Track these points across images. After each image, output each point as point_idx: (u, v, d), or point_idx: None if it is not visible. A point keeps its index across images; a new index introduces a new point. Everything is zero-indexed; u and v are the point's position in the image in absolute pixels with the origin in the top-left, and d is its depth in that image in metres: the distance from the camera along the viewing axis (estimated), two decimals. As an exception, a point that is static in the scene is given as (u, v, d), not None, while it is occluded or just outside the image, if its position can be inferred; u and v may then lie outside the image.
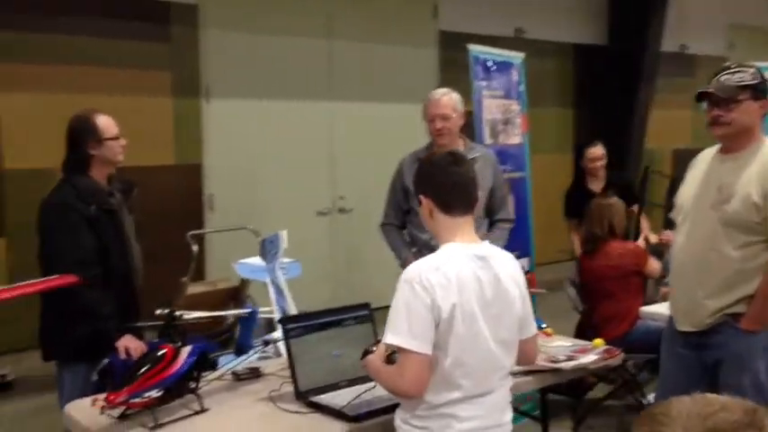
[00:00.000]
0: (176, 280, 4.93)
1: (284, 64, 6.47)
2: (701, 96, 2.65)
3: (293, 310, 3.32)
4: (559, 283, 4.56)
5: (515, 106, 4.35)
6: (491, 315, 2.00)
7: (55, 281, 2.32)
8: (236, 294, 5.43)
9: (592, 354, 2.77)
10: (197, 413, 2.24)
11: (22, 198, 5.29)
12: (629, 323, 4.00)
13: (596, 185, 4.84)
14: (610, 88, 8.71)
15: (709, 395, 1.03)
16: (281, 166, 6.44)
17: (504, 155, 4.24)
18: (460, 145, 3.57)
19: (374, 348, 2.09)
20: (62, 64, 5.55)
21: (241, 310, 2.56)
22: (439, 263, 1.96)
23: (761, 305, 2.58)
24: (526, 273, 4.32)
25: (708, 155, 2.82)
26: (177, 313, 2.27)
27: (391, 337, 1.90)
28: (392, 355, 1.99)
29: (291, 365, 2.37)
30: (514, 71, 4.33)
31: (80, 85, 5.60)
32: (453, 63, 6.27)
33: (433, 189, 2.06)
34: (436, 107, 3.49)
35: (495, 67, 4.17)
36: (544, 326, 2.84)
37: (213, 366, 2.42)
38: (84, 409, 2.23)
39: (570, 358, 2.72)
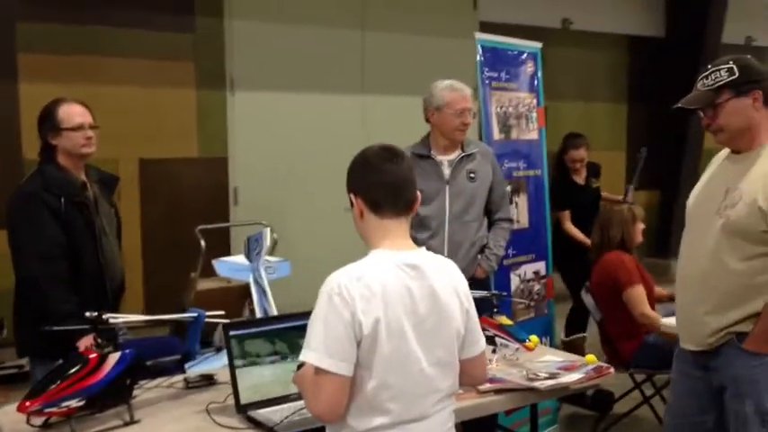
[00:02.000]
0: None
1: (314, 55, 6.31)
2: (682, 110, 2.42)
3: (274, 312, 3.16)
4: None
5: (531, 99, 4.07)
6: (424, 332, 1.77)
7: None
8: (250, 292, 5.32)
9: (577, 372, 2.51)
10: (126, 424, 2.09)
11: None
12: (637, 339, 3.69)
13: (579, 179, 4.92)
14: (667, 82, 8.21)
15: None
16: (309, 161, 6.29)
17: (516, 151, 3.98)
18: None
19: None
20: (85, 54, 5.53)
21: (184, 315, 2.40)
22: (362, 272, 1.73)
23: (766, 325, 2.27)
24: (542, 277, 4.09)
25: (723, 154, 2.53)
26: (105, 317, 2.12)
27: (305, 353, 1.69)
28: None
29: (233, 376, 2.20)
30: (530, 62, 4.05)
31: (103, 76, 5.58)
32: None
33: (364, 188, 1.83)
34: (466, 100, 3.30)
35: (506, 58, 3.90)
36: (526, 339, 2.58)
37: (152, 374, 2.27)
38: (11, 414, 2.11)
39: (552, 376, 2.46)
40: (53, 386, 1.98)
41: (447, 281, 1.84)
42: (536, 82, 4.08)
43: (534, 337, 2.89)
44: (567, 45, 7.79)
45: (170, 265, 5.58)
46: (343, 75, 6.48)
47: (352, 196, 1.85)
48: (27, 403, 1.95)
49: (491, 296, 2.81)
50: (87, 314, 2.12)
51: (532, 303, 3.63)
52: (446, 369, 1.82)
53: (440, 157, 3.34)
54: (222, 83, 6.11)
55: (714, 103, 2.34)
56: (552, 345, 4.13)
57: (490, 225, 3.46)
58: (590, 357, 2.64)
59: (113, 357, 2.09)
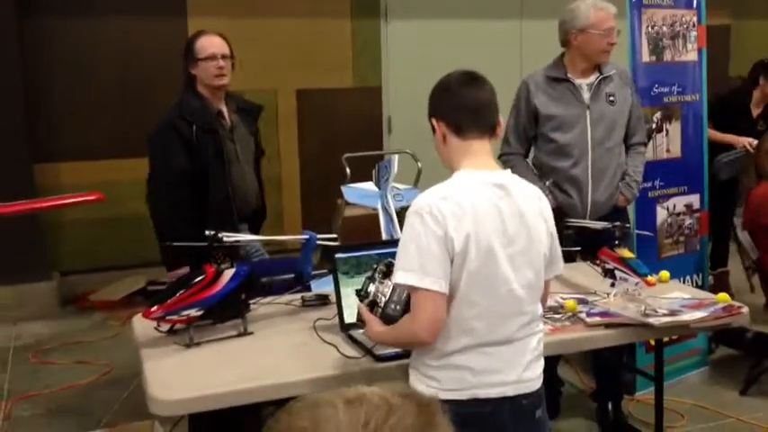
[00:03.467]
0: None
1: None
2: None
3: (400, 238, 3.20)
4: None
5: (690, 17, 3.72)
6: (514, 252, 1.75)
7: (73, 198, 2.40)
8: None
9: (703, 310, 2.34)
10: (239, 335, 2.24)
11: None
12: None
13: (756, 109, 4.41)
14: None
15: (367, 392, 0.78)
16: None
17: (670, 75, 3.67)
18: None
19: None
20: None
21: (298, 236, 2.49)
22: (449, 192, 1.73)
23: None
24: (695, 211, 3.81)
25: None
26: (219, 236, 2.26)
27: (402, 276, 1.70)
28: (385, 311, 1.80)
29: (338, 296, 2.28)
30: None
31: (262, 9, 5.79)
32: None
33: (447, 112, 1.82)
34: (612, 19, 3.11)
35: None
36: (649, 273, 2.44)
37: (267, 291, 2.40)
38: (143, 321, 2.32)
39: (673, 313, 2.32)
40: (174, 296, 2.15)
41: (533, 203, 1.81)
42: (697, -3, 3.72)
43: (665, 273, 2.74)
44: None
45: (325, 192, 5.79)
46: (497, 0, 6.27)
47: (434, 121, 1.84)
48: (151, 310, 2.14)
49: (613, 227, 2.67)
50: (207, 232, 2.27)
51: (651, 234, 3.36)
52: (533, 292, 1.80)
53: (578, 81, 3.16)
54: (377, 12, 6.13)
55: None
56: (704, 284, 3.86)
57: (627, 150, 3.26)
58: (721, 296, 2.45)
59: (229, 273, 2.23)
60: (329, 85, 6.08)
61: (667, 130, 3.68)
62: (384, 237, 3.23)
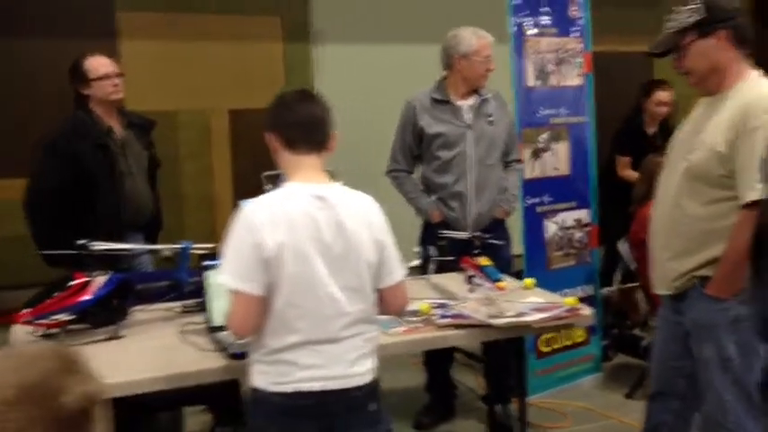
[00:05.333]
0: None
1: (399, 7, 6.39)
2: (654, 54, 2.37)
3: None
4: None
5: (575, 44, 3.97)
6: (332, 258, 1.91)
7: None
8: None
9: (547, 312, 2.54)
10: (108, 339, 2.39)
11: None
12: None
13: (651, 129, 4.52)
14: None
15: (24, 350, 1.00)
16: (393, 113, 6.41)
17: (556, 98, 3.91)
18: None
19: None
20: (176, 12, 5.92)
21: (174, 245, 2.66)
22: (272, 201, 1.92)
23: (726, 270, 2.21)
24: (585, 225, 4.04)
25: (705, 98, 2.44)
26: (88, 244, 2.42)
27: (223, 276, 1.89)
28: None
29: (207, 302, 2.44)
30: (573, 5, 3.95)
31: (193, 32, 5.96)
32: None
33: (280, 127, 2.00)
34: (491, 47, 3.37)
35: (544, 2, 3.83)
36: (500, 279, 2.64)
37: (144, 298, 2.55)
38: (22, 327, 2.46)
39: (520, 315, 2.52)
40: (44, 301, 2.30)
41: (356, 212, 1.96)
42: (583, 26, 3.97)
43: (529, 280, 2.95)
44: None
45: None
46: (428, 25, 6.50)
47: (268, 135, 2.01)
48: (21, 314, 2.28)
49: (472, 238, 2.88)
50: (78, 242, 2.43)
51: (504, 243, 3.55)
52: (355, 294, 1.95)
53: (459, 102, 3.39)
54: (308, 36, 6.34)
55: (679, 46, 2.27)
56: (596, 294, 4.09)
57: (504, 167, 3.49)
58: (569, 300, 2.66)
59: (100, 280, 2.38)
60: (261, 106, 6.24)
61: (555, 150, 3.91)
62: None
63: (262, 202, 1.91)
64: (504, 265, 3.29)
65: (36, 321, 2.30)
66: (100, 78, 3.15)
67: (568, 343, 3.96)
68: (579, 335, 4.00)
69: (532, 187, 3.81)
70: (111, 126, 3.21)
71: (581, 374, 4.04)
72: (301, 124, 1.98)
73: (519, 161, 3.57)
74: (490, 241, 2.92)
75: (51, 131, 3.16)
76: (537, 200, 3.82)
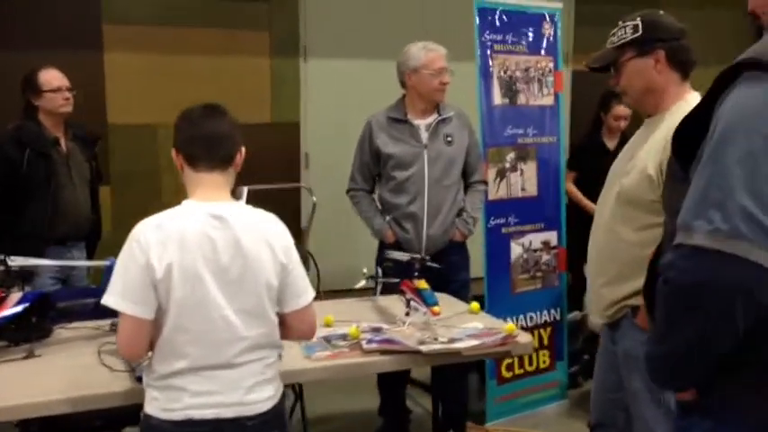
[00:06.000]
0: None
1: (384, 23, 6.35)
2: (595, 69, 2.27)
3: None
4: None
5: (546, 63, 3.89)
6: (228, 280, 1.84)
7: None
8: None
9: (481, 339, 2.45)
10: (25, 358, 2.33)
11: (124, 150, 5.81)
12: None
13: (611, 142, 4.34)
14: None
15: None
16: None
17: (526, 117, 3.83)
18: None
19: None
20: (163, 25, 5.91)
21: (100, 262, 2.60)
22: (163, 220, 1.84)
23: None
24: (552, 248, 3.93)
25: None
26: (8, 259, 2.37)
27: (106, 297, 1.82)
28: None
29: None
30: (546, 23, 3.87)
31: (180, 46, 5.95)
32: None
33: (182, 143, 1.94)
34: (443, 59, 3.29)
35: (514, 20, 3.75)
36: (435, 304, 2.54)
37: (66, 316, 2.49)
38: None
39: (452, 341, 2.43)
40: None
41: (257, 234, 1.88)
42: (555, 44, 3.89)
43: (475, 304, 2.86)
44: (557, 3, 7.24)
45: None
46: (415, 41, 6.46)
47: (174, 152, 1.95)
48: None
49: (412, 260, 2.80)
50: (-1, 257, 2.38)
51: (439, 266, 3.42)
52: (253, 319, 1.87)
53: (417, 121, 3.32)
54: (296, 51, 6.31)
55: (617, 63, 2.19)
56: (562, 318, 3.98)
57: (466, 188, 3.40)
58: (508, 327, 2.56)
59: (15, 296, 2.33)
60: (248, 121, 6.22)
61: (522, 170, 3.82)
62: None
63: (152, 221, 1.84)
64: (459, 288, 3.20)
65: (-54, 339, 2.25)
66: (53, 91, 3.21)
67: (531, 369, 3.85)
68: (543, 360, 3.89)
69: (496, 208, 3.72)
70: (57, 137, 3.25)
71: (545, 401, 3.93)
72: (202, 140, 1.92)
73: (482, 182, 3.48)
74: (429, 264, 2.83)
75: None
76: (502, 220, 3.73)
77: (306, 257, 5.46)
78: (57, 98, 3.21)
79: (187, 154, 1.92)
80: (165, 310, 1.81)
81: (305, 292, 1.97)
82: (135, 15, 5.87)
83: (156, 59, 5.89)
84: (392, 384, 3.43)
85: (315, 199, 5.46)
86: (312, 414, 3.71)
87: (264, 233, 1.91)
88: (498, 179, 3.74)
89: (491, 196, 3.69)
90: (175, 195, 4.82)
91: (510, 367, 3.78)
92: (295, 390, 3.17)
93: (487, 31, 3.68)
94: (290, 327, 1.97)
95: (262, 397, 1.90)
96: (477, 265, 3.63)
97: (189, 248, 1.81)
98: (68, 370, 2.25)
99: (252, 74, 6.21)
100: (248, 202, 5.21)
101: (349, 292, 3.24)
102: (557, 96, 3.93)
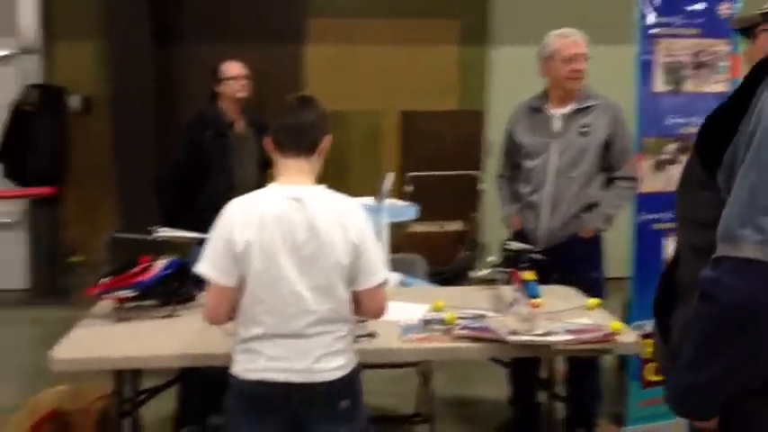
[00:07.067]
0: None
1: (573, 10, 6.14)
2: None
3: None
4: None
5: (722, 47, 3.58)
6: (301, 258, 2.00)
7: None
8: (464, 237, 5.65)
9: (575, 335, 2.38)
10: (165, 317, 2.68)
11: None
12: None
13: None
14: None
15: None
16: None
17: (690, 105, 3.56)
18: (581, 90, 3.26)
19: None
20: (360, 17, 6.25)
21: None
22: (250, 200, 2.05)
23: None
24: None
25: None
26: (156, 229, 2.74)
27: (198, 266, 2.07)
28: None
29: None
30: (724, 3, 3.55)
31: (374, 37, 6.26)
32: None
33: (272, 130, 2.12)
34: (576, 46, 3.23)
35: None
36: (536, 296, 2.51)
37: (199, 283, 2.81)
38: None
39: (547, 334, 2.40)
40: (111, 278, 2.65)
41: (332, 216, 2.03)
42: (729, 26, 3.57)
43: (594, 300, 2.79)
44: None
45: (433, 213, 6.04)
46: (611, 25, 6.18)
47: (269, 139, 2.13)
48: (90, 288, 2.65)
49: (522, 250, 2.77)
50: (150, 228, 2.76)
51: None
52: (323, 295, 2.02)
53: (552, 111, 3.26)
54: (484, 38, 6.35)
55: (754, 29, 1.94)
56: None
57: (609, 182, 3.26)
58: (614, 324, 2.46)
59: (162, 262, 2.69)
60: (433, 108, 6.39)
61: (683, 162, 3.56)
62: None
63: (240, 201, 2.06)
64: (589, 286, 3.07)
65: (104, 296, 2.66)
66: (231, 78, 3.66)
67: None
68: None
69: (649, 201, 3.50)
70: (233, 120, 3.69)
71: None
72: (289, 129, 2.09)
73: (628, 179, 3.28)
74: (534, 256, 2.78)
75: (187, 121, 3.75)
76: (654, 216, 3.51)
77: (475, 244, 5.54)
78: (234, 85, 3.66)
79: (276, 141, 2.11)
80: (245, 281, 2.02)
81: (376, 272, 2.08)
82: (338, 9, 6.27)
83: (350, 50, 6.26)
84: (524, 375, 3.41)
85: (484, 186, 5.53)
86: (442, 398, 3.81)
87: (339, 216, 2.04)
88: (654, 171, 3.53)
89: (645, 189, 3.49)
90: (363, 180, 5.11)
91: (657, 371, 3.57)
92: (424, 373, 3.26)
93: (651, 11, 3.47)
94: (361, 304, 2.10)
95: (330, 366, 2.05)
96: (622, 264, 3.48)
97: (267, 227, 2.00)
98: (194, 331, 2.54)
99: (439, 62, 6.36)
100: (421, 187, 5.43)
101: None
102: (732, 83, 3.60)
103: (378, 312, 2.15)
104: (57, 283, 5.89)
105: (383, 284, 2.10)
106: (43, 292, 5.86)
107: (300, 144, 2.09)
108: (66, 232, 6.05)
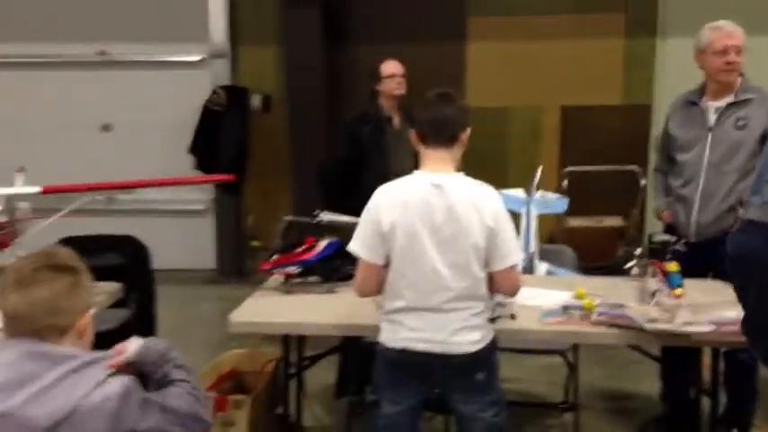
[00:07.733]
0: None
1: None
2: None
3: (533, 245, 3.58)
4: None
5: None
6: (441, 238, 2.20)
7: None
8: (623, 233, 5.60)
9: (716, 327, 2.40)
10: (326, 292, 2.98)
11: (482, 131, 6.40)
12: None
13: None
14: None
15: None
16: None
17: None
18: (739, 83, 3.19)
19: None
20: (521, 15, 6.33)
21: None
22: (396, 186, 2.29)
23: None
24: None
25: None
26: (319, 213, 3.05)
27: (350, 244, 2.33)
28: None
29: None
30: None
31: (536, 33, 6.31)
32: None
33: (417, 124, 2.34)
34: (730, 37, 3.19)
35: None
36: (678, 287, 2.53)
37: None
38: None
39: (687, 324, 2.43)
40: (280, 256, 2.99)
41: (470, 201, 2.22)
42: None
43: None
44: None
45: (592, 208, 6.00)
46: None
47: (413, 131, 2.35)
48: (263, 264, 3.01)
49: (666, 242, 2.80)
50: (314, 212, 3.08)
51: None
52: (461, 273, 2.22)
53: (708, 103, 3.23)
54: (652, 31, 6.20)
55: None
56: None
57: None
58: None
59: (323, 244, 3.00)
60: (594, 102, 6.34)
61: None
62: (522, 241, 3.65)
63: (387, 186, 2.31)
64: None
65: (274, 271, 3.01)
66: (388, 77, 3.95)
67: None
68: None
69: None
70: (390, 116, 3.97)
71: None
72: (430, 122, 2.30)
73: None
74: (675, 247, 2.78)
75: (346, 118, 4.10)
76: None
77: (634, 240, 5.46)
78: (390, 83, 3.94)
79: (419, 133, 2.32)
80: (391, 258, 2.25)
81: (510, 254, 2.25)
82: (499, 7, 6.38)
83: (512, 47, 6.35)
84: (676, 371, 3.38)
85: (644, 182, 5.45)
86: (595, 389, 3.86)
87: (475, 201, 2.23)
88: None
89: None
90: (521, 175, 5.23)
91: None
92: (567, 359, 3.34)
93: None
94: (496, 283, 2.28)
95: (466, 340, 2.24)
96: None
97: (410, 210, 2.22)
98: (349, 305, 2.80)
99: (604, 56, 6.29)
100: (580, 182, 5.43)
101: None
102: None
103: (512, 291, 2.32)
104: (240, 265, 6.50)
105: (516, 266, 2.26)
106: (228, 273, 6.49)
107: (441, 136, 2.29)
108: (247, 219, 6.64)
